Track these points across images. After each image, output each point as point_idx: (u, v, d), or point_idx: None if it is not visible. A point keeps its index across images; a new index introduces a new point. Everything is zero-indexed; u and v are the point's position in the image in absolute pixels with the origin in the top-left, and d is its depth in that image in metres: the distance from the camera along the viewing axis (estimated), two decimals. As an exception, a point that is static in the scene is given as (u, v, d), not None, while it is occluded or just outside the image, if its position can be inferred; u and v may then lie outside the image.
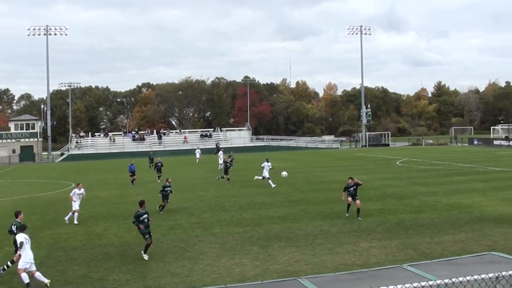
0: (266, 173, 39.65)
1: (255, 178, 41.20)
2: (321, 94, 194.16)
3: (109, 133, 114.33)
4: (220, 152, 59.61)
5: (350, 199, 25.49)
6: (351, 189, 25.47)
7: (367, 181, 41.43)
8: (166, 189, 29.68)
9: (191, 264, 18.15)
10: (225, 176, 43.23)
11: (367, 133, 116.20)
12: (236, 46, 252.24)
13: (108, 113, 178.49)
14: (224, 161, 45.07)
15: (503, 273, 6.89)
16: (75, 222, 26.89)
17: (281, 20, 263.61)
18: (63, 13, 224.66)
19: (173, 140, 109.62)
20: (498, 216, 24.70)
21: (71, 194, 27.88)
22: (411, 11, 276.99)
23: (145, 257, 18.90)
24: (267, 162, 40.26)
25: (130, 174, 45.88)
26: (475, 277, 6.40)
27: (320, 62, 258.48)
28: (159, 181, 44.98)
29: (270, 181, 39.09)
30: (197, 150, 75.79)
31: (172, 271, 17.48)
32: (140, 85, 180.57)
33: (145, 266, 18.14)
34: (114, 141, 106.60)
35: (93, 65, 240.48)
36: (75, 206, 27.34)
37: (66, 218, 27.44)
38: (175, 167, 60.95)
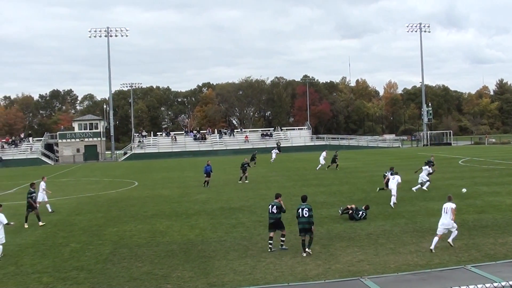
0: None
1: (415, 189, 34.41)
2: (381, 92, 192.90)
3: (170, 133, 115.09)
4: (325, 152, 58.00)
5: None
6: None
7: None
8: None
9: (254, 262, 18.28)
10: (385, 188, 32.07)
11: (429, 132, 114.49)
12: (294, 45, 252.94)
13: (169, 112, 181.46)
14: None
15: None
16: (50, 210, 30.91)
17: (339, 18, 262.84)
18: (122, 14, 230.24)
19: (235, 140, 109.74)
20: None
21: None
22: (470, 8, 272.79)
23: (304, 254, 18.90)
24: (427, 166, 36.23)
25: (205, 175, 42.88)
26: (542, 279, 6.35)
27: (380, 60, 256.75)
28: (247, 181, 44.68)
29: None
30: (274, 150, 75.11)
31: (235, 268, 17.63)
32: (200, 85, 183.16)
33: (208, 264, 18.35)
34: (175, 140, 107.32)
35: (153, 65, 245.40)
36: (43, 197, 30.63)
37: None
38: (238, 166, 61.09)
